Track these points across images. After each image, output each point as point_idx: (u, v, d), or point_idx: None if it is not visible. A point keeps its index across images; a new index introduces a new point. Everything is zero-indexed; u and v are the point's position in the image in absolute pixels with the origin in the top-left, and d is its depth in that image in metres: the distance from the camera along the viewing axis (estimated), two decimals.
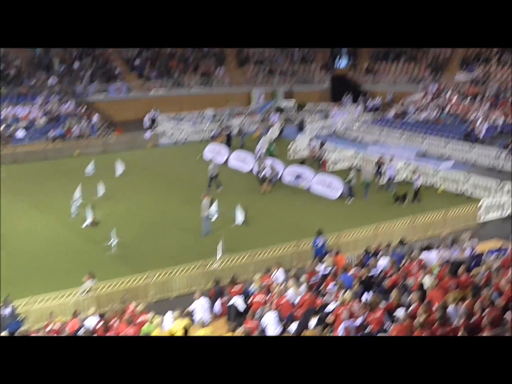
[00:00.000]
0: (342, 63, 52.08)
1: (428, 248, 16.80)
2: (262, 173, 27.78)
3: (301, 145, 33.84)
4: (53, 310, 14.93)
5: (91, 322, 13.63)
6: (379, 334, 11.55)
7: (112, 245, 19.92)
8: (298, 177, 28.37)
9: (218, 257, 18.52)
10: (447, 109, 37.21)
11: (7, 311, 14.40)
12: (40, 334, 13.14)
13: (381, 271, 15.84)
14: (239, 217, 22.52)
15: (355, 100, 44.60)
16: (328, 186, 26.74)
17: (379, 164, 27.07)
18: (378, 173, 27.06)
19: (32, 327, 13.80)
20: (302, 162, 30.72)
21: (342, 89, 45.77)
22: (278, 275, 16.39)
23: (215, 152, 33.59)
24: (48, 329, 13.46)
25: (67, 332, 12.84)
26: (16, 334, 12.87)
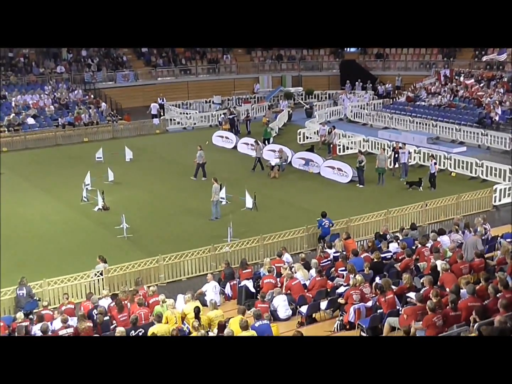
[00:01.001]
0: (351, 48, 51.87)
1: (440, 232, 16.70)
2: (271, 159, 27.85)
3: (310, 130, 33.84)
4: (67, 292, 15.25)
5: (105, 303, 13.89)
6: (390, 317, 11.62)
7: (124, 230, 20.18)
8: (308, 162, 28.42)
9: (228, 241, 18.68)
10: (460, 93, 37.05)
11: (23, 291, 14.74)
12: (56, 313, 13.47)
13: (392, 254, 15.98)
14: (248, 201, 22.62)
15: (365, 86, 44.49)
16: (338, 171, 26.79)
17: (395, 151, 27.04)
18: (394, 159, 26.98)
19: (47, 307, 14.12)
20: (311, 147, 30.76)
21: (352, 74, 45.62)
22: (288, 258, 16.60)
23: (223, 138, 33.85)
24: (63, 308, 13.74)
25: (81, 312, 13.11)
26: (33, 313, 13.21)
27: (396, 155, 26.91)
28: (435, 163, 25.14)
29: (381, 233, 18.10)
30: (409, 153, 27.02)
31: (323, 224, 18.67)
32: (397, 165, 27.00)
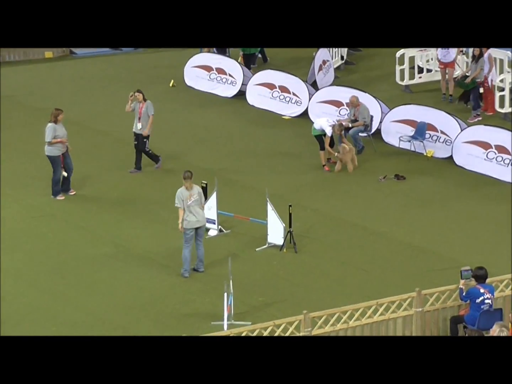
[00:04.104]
0: None
1: None
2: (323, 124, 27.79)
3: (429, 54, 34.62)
4: None
5: None
6: None
7: None
8: (421, 130, 28.21)
9: (224, 328, 19.26)
10: None
11: None
12: None
13: None
14: (275, 230, 22.69)
15: None
16: (497, 154, 26.96)
17: None
18: None
19: None
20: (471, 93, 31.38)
21: None
22: None
23: (211, 73, 34.99)
24: None
25: None
26: None
27: None
28: None
29: None
30: None
31: (477, 299, 18.72)
32: None
